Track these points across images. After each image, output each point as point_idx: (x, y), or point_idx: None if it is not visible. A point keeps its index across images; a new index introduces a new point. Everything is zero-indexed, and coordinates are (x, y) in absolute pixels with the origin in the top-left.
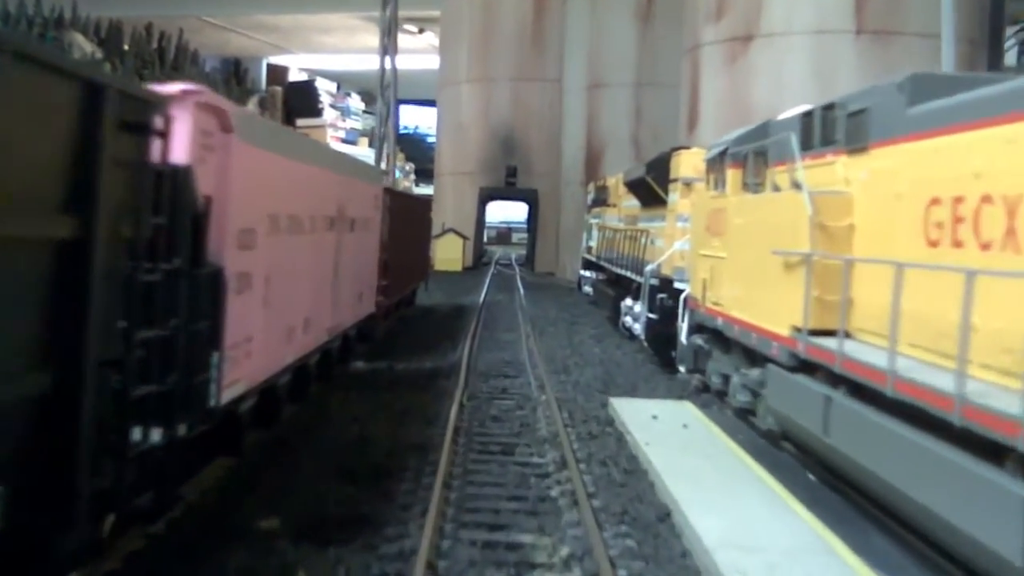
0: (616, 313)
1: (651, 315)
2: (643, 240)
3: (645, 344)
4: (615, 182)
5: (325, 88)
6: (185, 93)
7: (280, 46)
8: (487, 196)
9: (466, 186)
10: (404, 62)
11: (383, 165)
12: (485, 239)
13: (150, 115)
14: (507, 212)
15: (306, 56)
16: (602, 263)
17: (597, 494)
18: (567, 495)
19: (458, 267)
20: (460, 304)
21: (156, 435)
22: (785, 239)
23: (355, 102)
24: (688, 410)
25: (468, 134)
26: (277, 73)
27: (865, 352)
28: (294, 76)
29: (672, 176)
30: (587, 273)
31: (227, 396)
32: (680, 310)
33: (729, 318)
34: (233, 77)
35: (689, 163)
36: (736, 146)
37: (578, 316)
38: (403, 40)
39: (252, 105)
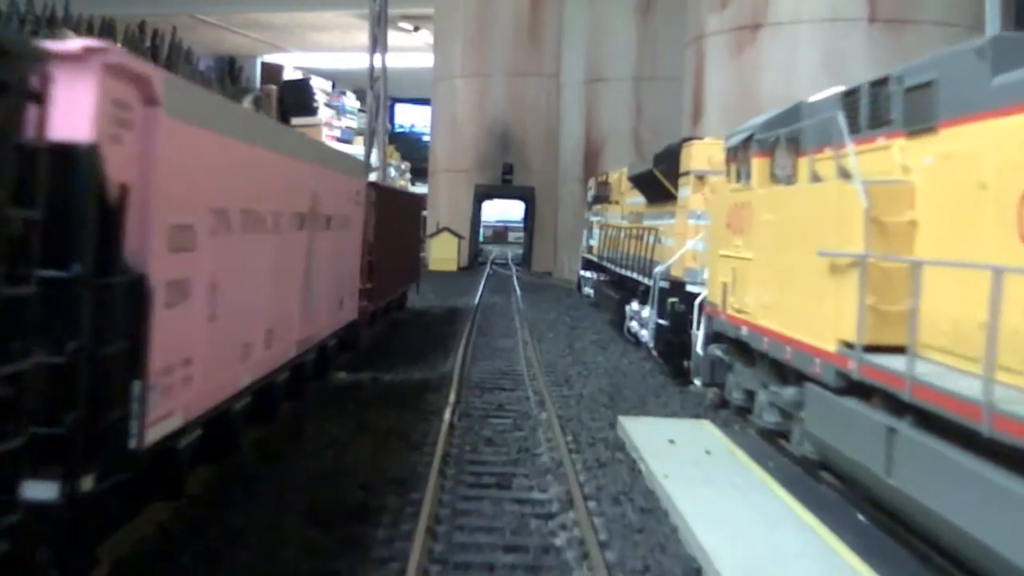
0: (620, 317)
1: (661, 321)
2: (650, 239)
3: (654, 353)
4: (618, 177)
5: (320, 87)
6: (89, 51)
7: (275, 44)
8: (483, 194)
9: (461, 184)
10: (399, 60)
11: (374, 161)
12: (481, 238)
13: (21, 73)
14: (503, 211)
15: (301, 55)
16: (604, 263)
17: (611, 543)
18: (575, 544)
19: (453, 267)
20: (454, 307)
21: (50, 491)
22: (830, 237)
23: (350, 101)
24: (708, 432)
25: (463, 130)
26: (272, 72)
27: (942, 376)
28: (289, 75)
29: (682, 169)
30: (588, 274)
31: (156, 434)
32: (695, 317)
33: (756, 327)
34: (227, 76)
35: (701, 154)
36: (764, 132)
37: (579, 320)
38: (398, 38)
39: (247, 104)
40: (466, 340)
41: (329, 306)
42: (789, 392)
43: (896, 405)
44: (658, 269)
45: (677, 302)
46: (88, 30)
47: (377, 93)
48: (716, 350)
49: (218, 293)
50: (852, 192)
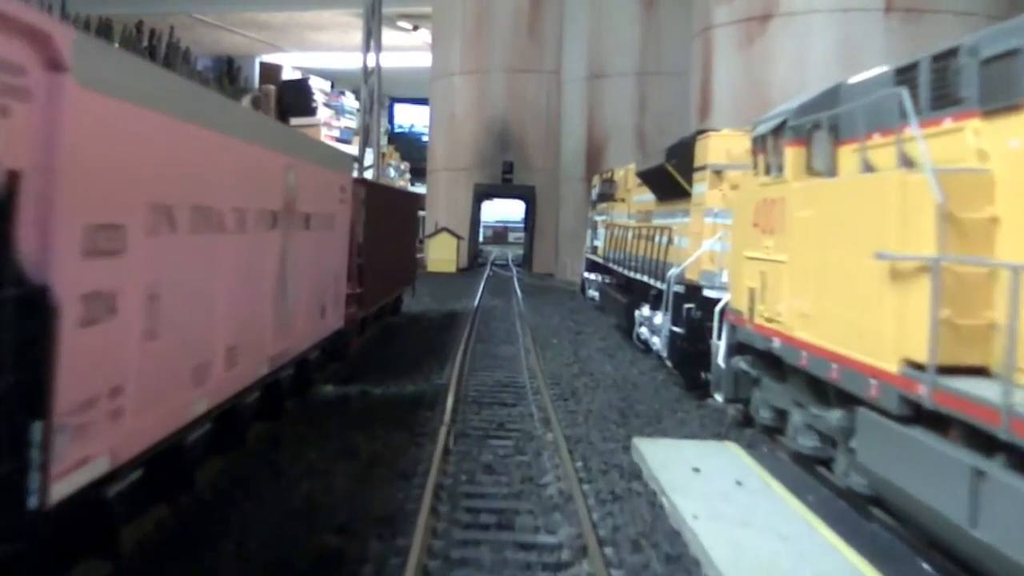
0: (628, 322)
1: (675, 329)
2: (661, 239)
3: (667, 363)
4: (624, 174)
5: (319, 87)
6: None
7: (273, 44)
8: (482, 193)
9: (460, 183)
10: (399, 60)
11: (368, 159)
12: (481, 238)
13: None
14: (503, 211)
15: (299, 54)
16: (610, 265)
17: None
18: None
19: (452, 268)
20: (452, 311)
21: None
22: (890, 237)
23: (350, 101)
24: (734, 456)
25: (462, 128)
26: (270, 72)
27: None
28: (288, 75)
29: (697, 163)
30: (592, 276)
31: (68, 486)
32: (715, 325)
33: (791, 340)
34: (226, 76)
35: (719, 147)
36: (799, 118)
37: (583, 324)
38: (397, 37)
39: (245, 104)
40: (464, 347)
41: (309, 315)
42: (835, 416)
43: (984, 441)
44: (672, 272)
45: (693, 308)
46: (84, 30)
47: (371, 88)
48: (740, 363)
49: (159, 306)
50: (920, 184)
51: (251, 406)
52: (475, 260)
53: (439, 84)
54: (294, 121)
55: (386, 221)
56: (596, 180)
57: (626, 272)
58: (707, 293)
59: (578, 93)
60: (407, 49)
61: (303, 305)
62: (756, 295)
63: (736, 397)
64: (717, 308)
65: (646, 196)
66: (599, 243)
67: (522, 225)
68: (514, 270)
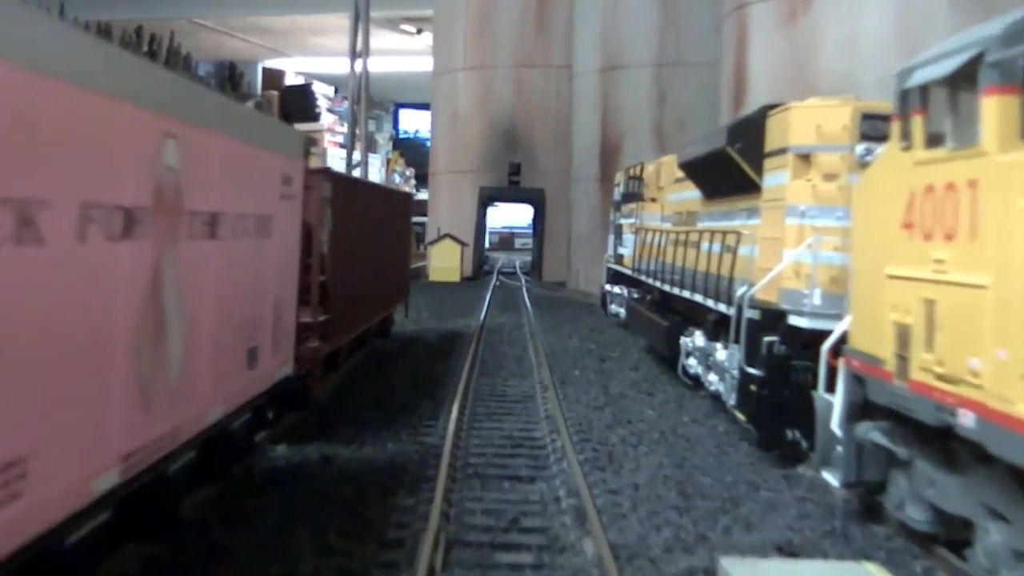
0: (670, 349)
1: (751, 370)
2: (712, 247)
3: (736, 413)
4: (655, 169)
5: (322, 92)
6: None
7: (276, 49)
8: (488, 197)
9: (464, 186)
10: (402, 64)
11: (356, 155)
12: (487, 244)
13: None
14: (508, 216)
15: (302, 59)
16: (642, 278)
17: None
18: None
19: (456, 277)
20: (453, 330)
21: None
22: None
23: None
24: None
25: (466, 128)
26: (273, 77)
27: None
28: (290, 80)
29: (772, 146)
30: (616, 289)
31: None
32: (821, 370)
33: (1006, 419)
34: (228, 81)
35: (805, 123)
36: (1010, 47)
37: (608, 347)
38: (401, 41)
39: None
40: (465, 385)
41: (224, 367)
42: None
43: None
44: (743, 291)
45: (777, 342)
46: None
47: (359, 76)
48: (873, 433)
49: None
50: None
51: (82, 546)
52: (480, 268)
53: (441, 81)
54: (297, 127)
55: (364, 225)
56: (620, 178)
57: (665, 287)
58: (795, 321)
59: (591, 87)
60: (411, 53)
61: (207, 354)
62: (913, 335)
63: (860, 480)
64: (825, 346)
65: (687, 194)
66: (625, 251)
67: (527, 230)
68: (522, 279)
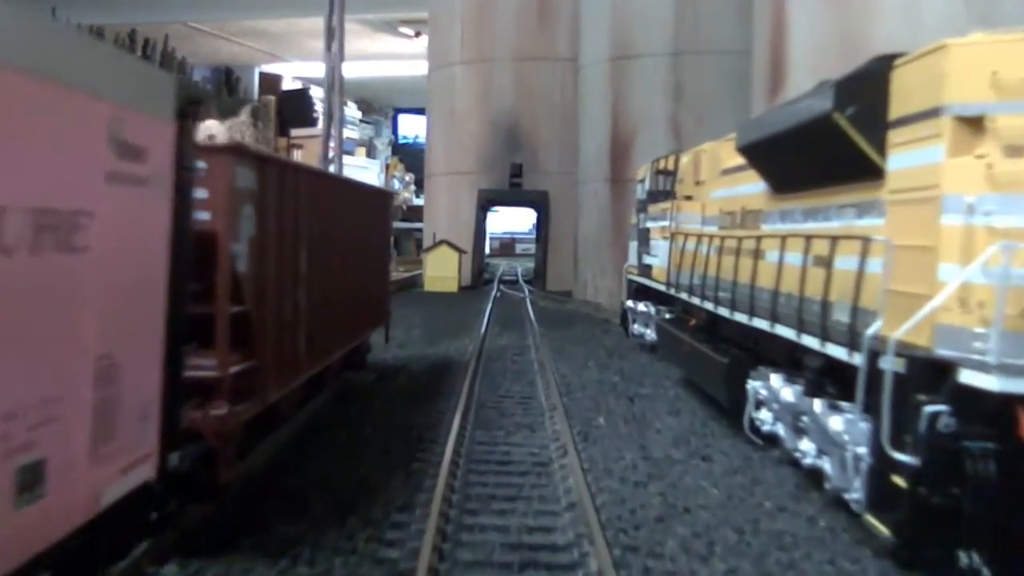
0: (731, 394)
1: (900, 456)
2: (792, 259)
3: (870, 518)
4: (694, 159)
5: (320, 96)
6: None
7: (272, 53)
8: (488, 200)
9: (462, 188)
10: (401, 68)
11: (332, 144)
12: (487, 251)
13: None
14: (509, 221)
15: (300, 64)
16: (680, 295)
17: None
18: None
19: (453, 287)
20: (445, 356)
21: None
22: None
23: (351, 111)
24: None
25: (464, 126)
26: (270, 82)
27: None
28: (288, 85)
29: (905, 110)
30: (641, 306)
31: None
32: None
33: None
34: (224, 86)
35: (975, 69)
36: None
37: (635, 381)
38: (399, 44)
39: (244, 115)
40: (454, 446)
41: None
42: None
43: None
44: (872, 331)
45: (946, 412)
46: None
47: (334, 56)
48: None
49: None
50: None
51: None
52: (480, 276)
53: (437, 76)
54: (294, 132)
55: (320, 231)
56: (644, 172)
57: (720, 311)
58: (969, 379)
59: (599, 79)
60: (409, 57)
61: None
62: None
63: None
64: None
65: (743, 188)
66: (656, 260)
67: (529, 235)
68: (525, 289)
